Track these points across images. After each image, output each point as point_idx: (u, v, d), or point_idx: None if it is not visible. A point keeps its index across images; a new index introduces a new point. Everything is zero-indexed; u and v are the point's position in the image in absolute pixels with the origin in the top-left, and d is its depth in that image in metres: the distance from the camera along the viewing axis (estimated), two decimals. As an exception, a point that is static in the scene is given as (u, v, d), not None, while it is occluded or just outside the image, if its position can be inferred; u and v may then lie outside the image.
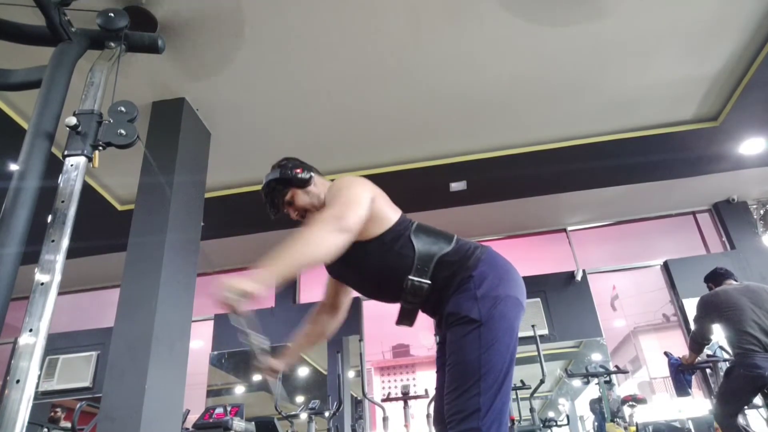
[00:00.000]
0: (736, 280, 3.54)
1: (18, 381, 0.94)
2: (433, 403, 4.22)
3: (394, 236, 1.48)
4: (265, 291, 1.23)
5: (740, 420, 3.20)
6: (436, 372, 1.58)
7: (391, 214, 1.53)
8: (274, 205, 1.67)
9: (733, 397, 3.20)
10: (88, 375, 5.34)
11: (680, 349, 4.91)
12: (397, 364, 8.44)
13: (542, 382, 4.21)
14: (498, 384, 1.31)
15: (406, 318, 1.53)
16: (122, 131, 1.22)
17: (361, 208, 1.43)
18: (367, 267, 1.51)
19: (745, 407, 3.25)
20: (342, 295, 1.76)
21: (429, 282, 1.43)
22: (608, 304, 7.24)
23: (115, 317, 2.85)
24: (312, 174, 1.64)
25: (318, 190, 1.64)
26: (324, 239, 1.34)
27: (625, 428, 3.95)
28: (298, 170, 1.62)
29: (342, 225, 1.36)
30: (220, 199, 4.55)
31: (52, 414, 4.84)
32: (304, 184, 1.62)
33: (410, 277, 1.43)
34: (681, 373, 3.76)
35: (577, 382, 5.66)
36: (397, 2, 3.03)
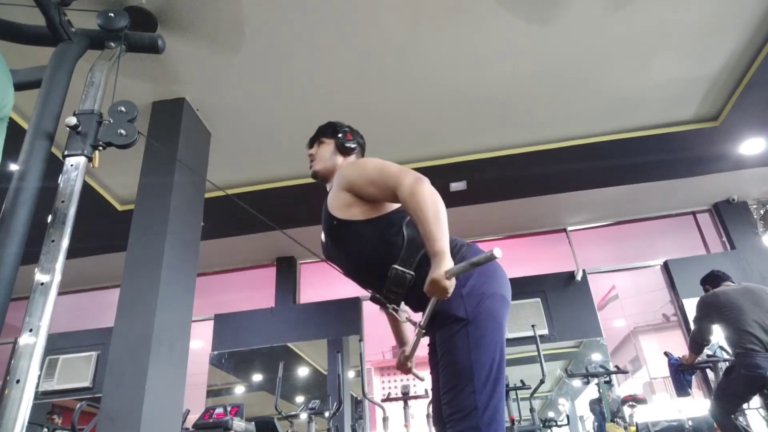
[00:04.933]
0: (733, 282, 3.54)
1: (18, 381, 0.94)
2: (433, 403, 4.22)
3: (390, 222, 1.50)
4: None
5: (740, 420, 3.20)
6: (430, 372, 1.58)
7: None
8: (312, 141, 1.83)
9: (732, 396, 3.20)
10: (88, 375, 5.34)
11: (680, 349, 4.90)
12: (397, 364, 8.42)
13: (542, 382, 4.20)
14: (492, 381, 1.32)
15: (382, 303, 1.54)
16: (122, 131, 1.22)
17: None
18: (357, 249, 1.52)
19: (744, 405, 3.25)
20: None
21: (412, 273, 1.43)
22: (607, 304, 7.23)
23: (115, 317, 2.85)
24: (354, 150, 1.79)
25: (341, 162, 1.74)
26: (433, 192, 1.41)
27: (625, 428, 3.95)
28: (349, 137, 1.77)
29: (423, 177, 1.44)
30: (220, 199, 4.55)
31: (50, 421, 4.81)
32: (342, 148, 1.76)
33: (395, 266, 1.44)
34: (681, 374, 3.76)
35: (577, 382, 5.65)
36: (397, 2, 3.03)
